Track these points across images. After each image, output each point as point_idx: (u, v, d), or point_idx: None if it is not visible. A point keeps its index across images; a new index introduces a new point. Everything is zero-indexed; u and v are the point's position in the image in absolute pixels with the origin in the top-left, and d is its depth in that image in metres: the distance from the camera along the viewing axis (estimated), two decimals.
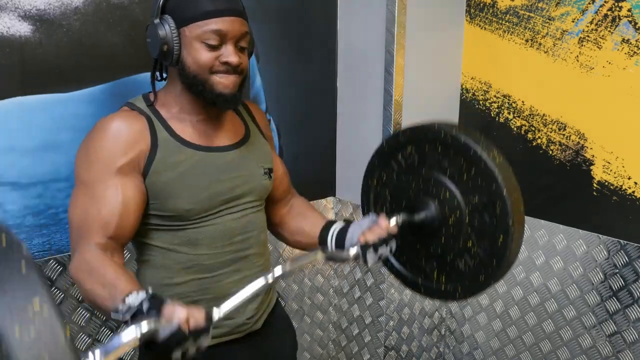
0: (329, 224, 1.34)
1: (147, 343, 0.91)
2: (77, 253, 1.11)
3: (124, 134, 1.13)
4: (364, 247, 1.16)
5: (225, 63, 1.14)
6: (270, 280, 1.04)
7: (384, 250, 1.17)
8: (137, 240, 1.23)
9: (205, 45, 1.13)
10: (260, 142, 1.34)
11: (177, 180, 1.17)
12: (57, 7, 1.46)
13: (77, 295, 1.60)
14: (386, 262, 1.31)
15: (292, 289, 2.17)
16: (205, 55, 1.13)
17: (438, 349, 2.38)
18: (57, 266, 1.56)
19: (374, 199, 1.34)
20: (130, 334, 0.86)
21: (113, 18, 1.54)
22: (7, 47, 1.40)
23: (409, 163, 1.25)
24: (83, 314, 1.61)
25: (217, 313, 0.98)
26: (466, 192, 1.15)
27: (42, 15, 1.44)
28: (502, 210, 1.10)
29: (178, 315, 0.92)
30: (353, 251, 1.16)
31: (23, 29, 1.42)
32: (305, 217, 1.42)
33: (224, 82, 1.16)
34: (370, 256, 1.16)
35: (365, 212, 1.35)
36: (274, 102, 1.96)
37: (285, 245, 2.11)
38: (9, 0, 1.39)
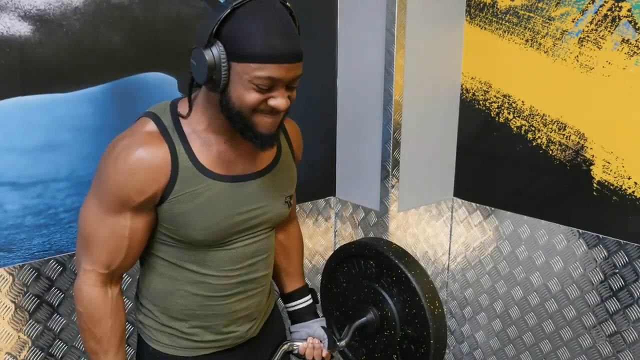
0: (297, 293, 1.48)
1: None
2: (81, 273, 1.16)
3: (143, 171, 1.07)
4: (299, 356, 1.40)
5: (273, 108, 1.07)
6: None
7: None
8: (144, 249, 1.21)
9: (256, 87, 1.04)
10: (288, 168, 1.29)
11: (194, 211, 1.13)
12: (57, 7, 1.46)
13: None
14: (345, 358, 1.53)
15: None
16: (253, 97, 1.05)
17: None
18: (57, 266, 1.56)
19: (330, 303, 1.54)
20: None
21: (113, 18, 1.54)
22: (7, 47, 1.40)
23: (355, 273, 1.45)
24: None
25: None
26: (403, 320, 1.34)
27: (42, 15, 1.44)
28: (423, 355, 1.30)
29: None
30: (294, 349, 1.41)
31: (23, 29, 1.42)
32: (289, 259, 1.49)
33: (266, 122, 1.09)
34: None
35: (317, 304, 1.54)
36: None
37: None
38: (9, 0, 1.39)
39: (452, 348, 2.36)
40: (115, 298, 1.18)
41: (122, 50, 1.57)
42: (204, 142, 1.14)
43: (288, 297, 1.49)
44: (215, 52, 1.03)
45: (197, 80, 1.08)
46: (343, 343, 1.39)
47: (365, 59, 2.01)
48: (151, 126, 1.12)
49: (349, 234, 2.20)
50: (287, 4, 1.10)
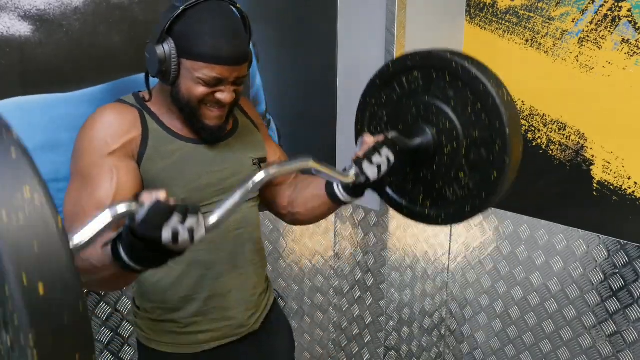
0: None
1: (132, 235, 0.83)
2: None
3: (115, 121, 1.15)
4: (358, 161, 1.17)
5: (219, 101, 1.16)
6: (252, 184, 0.99)
7: (379, 160, 1.16)
8: None
9: (203, 82, 1.13)
10: (249, 133, 1.34)
11: (171, 169, 1.18)
12: (57, 7, 1.46)
13: None
14: (379, 185, 1.29)
15: (292, 289, 2.17)
16: (199, 90, 1.14)
17: (438, 349, 2.38)
18: None
19: (370, 117, 1.33)
20: (104, 216, 0.78)
21: (113, 18, 1.54)
22: (7, 47, 1.40)
23: (412, 88, 1.23)
24: None
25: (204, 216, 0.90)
26: (467, 125, 1.14)
27: (42, 15, 1.44)
28: (501, 148, 1.09)
29: (156, 194, 0.84)
30: (352, 171, 1.16)
31: (23, 29, 1.42)
32: (310, 184, 1.38)
33: (213, 114, 1.18)
34: (368, 168, 1.16)
35: (358, 130, 1.34)
36: (274, 102, 1.96)
37: (285, 245, 2.11)
38: (9, 0, 1.39)
39: (452, 348, 2.36)
40: None
41: (122, 50, 1.57)
42: (167, 115, 1.22)
43: (328, 187, 1.31)
44: (167, 48, 1.12)
45: (150, 72, 1.17)
46: (394, 133, 1.19)
47: (365, 58, 2.01)
48: (117, 102, 1.22)
49: (349, 234, 2.20)
50: (238, 5, 1.17)
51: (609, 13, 1.71)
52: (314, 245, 2.19)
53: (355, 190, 1.26)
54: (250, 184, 0.98)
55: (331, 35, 2.08)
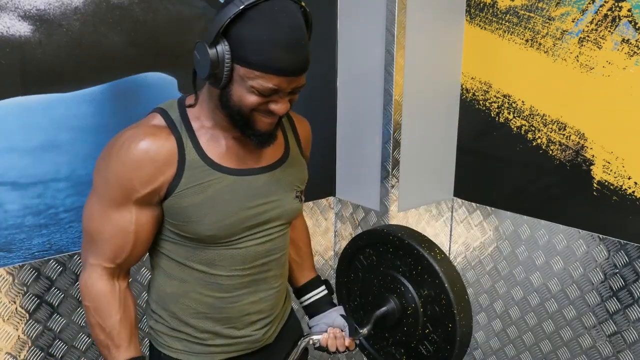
0: (311, 284, 1.45)
1: None
2: (87, 268, 1.15)
3: (149, 162, 1.06)
4: (320, 348, 1.35)
5: (272, 112, 1.07)
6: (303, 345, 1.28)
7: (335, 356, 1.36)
8: (152, 247, 1.19)
9: (257, 92, 1.04)
10: (298, 163, 1.27)
11: (202, 205, 1.11)
12: (57, 7, 1.46)
13: (77, 296, 1.60)
14: (363, 350, 1.49)
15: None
16: (253, 99, 1.05)
17: None
18: (57, 266, 1.56)
19: (347, 294, 1.51)
20: None
21: (113, 18, 1.54)
22: (7, 47, 1.40)
23: (369, 263, 1.42)
24: (83, 314, 1.61)
25: None
26: (417, 285, 1.31)
27: (42, 15, 1.44)
28: (446, 301, 1.25)
29: None
30: (315, 343, 1.36)
31: (23, 29, 1.42)
32: (298, 251, 1.45)
33: (264, 122, 1.09)
34: (325, 353, 1.36)
35: (333, 294, 1.50)
36: None
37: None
38: (9, 0, 1.39)
39: None
40: (123, 291, 1.16)
41: (122, 50, 1.57)
42: (212, 137, 1.13)
43: (302, 290, 1.45)
44: (220, 51, 1.02)
45: (199, 74, 1.07)
46: (365, 331, 1.33)
47: (365, 59, 2.01)
48: (158, 120, 1.12)
49: (349, 234, 2.20)
50: (303, 4, 1.06)
51: (609, 13, 1.71)
52: (314, 245, 2.19)
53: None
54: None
55: (331, 36, 2.08)
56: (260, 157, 1.18)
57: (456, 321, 1.24)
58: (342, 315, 1.38)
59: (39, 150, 1.49)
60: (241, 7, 0.99)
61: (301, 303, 1.46)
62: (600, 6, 1.72)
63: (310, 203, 2.14)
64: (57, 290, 1.57)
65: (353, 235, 2.18)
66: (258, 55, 1.00)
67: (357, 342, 1.38)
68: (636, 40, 1.66)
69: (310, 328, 1.42)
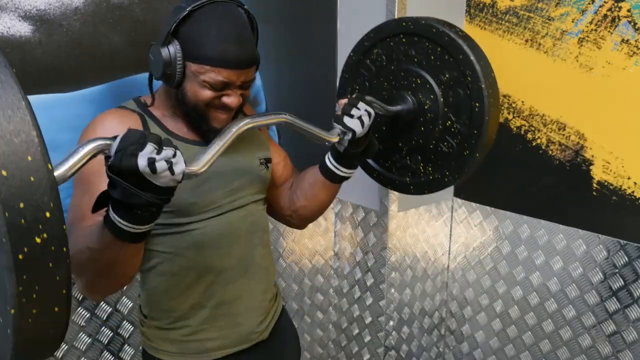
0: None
1: (111, 172, 0.83)
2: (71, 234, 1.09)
3: (116, 127, 1.11)
4: (338, 119, 1.20)
5: (226, 105, 1.14)
6: (236, 130, 1.06)
7: (358, 112, 1.19)
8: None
9: (209, 86, 1.11)
10: (252, 133, 1.31)
11: None
12: (57, 7, 1.46)
13: (77, 296, 1.60)
14: (372, 173, 1.32)
15: (292, 288, 2.17)
16: (206, 94, 1.12)
17: (438, 349, 2.38)
18: None
19: (351, 92, 1.37)
20: (84, 150, 0.81)
21: (113, 18, 1.54)
22: (7, 47, 1.40)
23: (378, 65, 1.27)
24: (83, 314, 1.61)
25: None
26: (435, 72, 1.17)
27: (42, 15, 1.44)
28: (472, 77, 1.12)
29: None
30: (335, 130, 1.19)
31: (23, 29, 1.42)
32: (306, 174, 1.39)
33: (220, 118, 1.16)
34: (349, 122, 1.19)
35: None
36: (274, 102, 1.96)
37: (285, 245, 2.11)
38: (9, 0, 1.39)
39: (452, 348, 2.36)
40: None
41: (122, 50, 1.57)
42: (171, 119, 1.20)
43: (322, 166, 1.33)
44: (172, 50, 1.09)
45: (154, 74, 1.14)
46: (370, 97, 1.21)
47: None
48: (116, 108, 1.20)
49: (349, 234, 2.20)
50: (245, 7, 1.14)
51: (608, 13, 1.71)
52: (314, 245, 2.19)
53: (348, 158, 1.27)
54: (233, 131, 1.05)
55: (331, 35, 2.08)
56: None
57: (484, 97, 1.11)
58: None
59: None
60: (188, 9, 1.08)
61: (327, 172, 1.33)
62: (600, 6, 1.72)
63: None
64: None
65: (353, 235, 2.18)
66: (207, 51, 1.08)
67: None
68: (636, 41, 1.67)
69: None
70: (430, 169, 1.27)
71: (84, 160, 0.81)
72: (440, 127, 1.20)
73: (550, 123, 1.89)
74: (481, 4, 2.02)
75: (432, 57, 1.17)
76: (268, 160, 1.33)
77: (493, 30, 2.00)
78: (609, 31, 1.72)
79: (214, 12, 1.09)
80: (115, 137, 0.85)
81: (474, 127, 1.17)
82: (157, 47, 1.10)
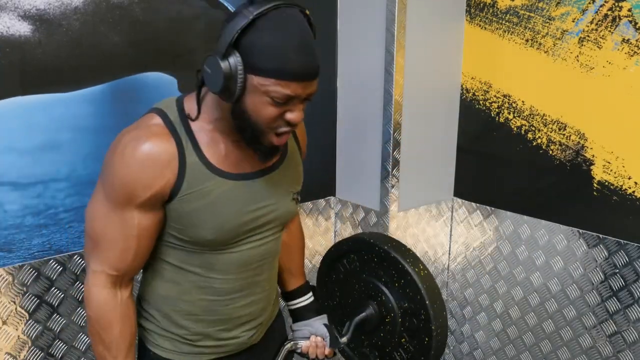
0: (299, 291, 1.47)
1: None
2: (90, 274, 1.14)
3: (151, 165, 1.05)
4: (301, 354, 1.41)
5: (289, 122, 1.07)
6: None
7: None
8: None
9: (272, 100, 1.02)
10: (294, 164, 1.27)
11: (203, 210, 1.11)
12: (57, 7, 1.46)
13: (77, 296, 1.60)
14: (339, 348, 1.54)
15: None
16: (269, 111, 1.04)
17: None
18: (57, 266, 1.56)
19: (326, 292, 1.55)
20: None
21: (113, 18, 1.54)
22: (7, 47, 1.40)
23: (352, 268, 1.46)
24: (83, 315, 1.61)
25: None
26: (397, 297, 1.36)
27: (42, 15, 1.44)
28: (425, 317, 1.30)
29: None
30: (297, 348, 1.42)
31: (23, 29, 1.42)
32: (290, 256, 1.46)
33: (281, 140, 1.09)
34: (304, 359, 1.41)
35: (320, 301, 1.52)
36: None
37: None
38: (9, 0, 1.39)
39: (452, 348, 2.36)
40: (125, 302, 1.15)
41: (122, 50, 1.57)
42: (212, 140, 1.12)
43: (290, 295, 1.48)
44: (233, 63, 1.00)
45: (211, 88, 1.05)
46: (345, 340, 1.39)
47: (365, 59, 2.01)
48: (157, 120, 1.10)
49: (349, 234, 2.20)
50: (307, 12, 1.06)
51: (609, 13, 1.71)
52: (314, 245, 2.19)
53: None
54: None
55: (331, 35, 2.08)
56: (258, 160, 1.18)
57: (433, 337, 1.30)
58: (325, 325, 1.43)
59: (39, 150, 1.49)
60: (250, 18, 0.98)
61: (288, 306, 1.48)
62: (601, 6, 1.72)
63: (310, 203, 2.14)
64: (57, 290, 1.57)
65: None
66: (272, 62, 0.99)
67: (337, 351, 1.43)
68: (636, 40, 1.66)
69: (293, 332, 1.46)
70: None
71: None
72: (396, 340, 1.38)
73: (551, 123, 1.89)
74: (481, 4, 2.02)
75: (396, 284, 1.35)
76: (299, 193, 1.29)
77: (493, 30, 2.00)
78: (609, 31, 1.72)
79: (279, 19, 1.00)
80: None
81: (422, 354, 1.34)
82: (215, 58, 1.01)
